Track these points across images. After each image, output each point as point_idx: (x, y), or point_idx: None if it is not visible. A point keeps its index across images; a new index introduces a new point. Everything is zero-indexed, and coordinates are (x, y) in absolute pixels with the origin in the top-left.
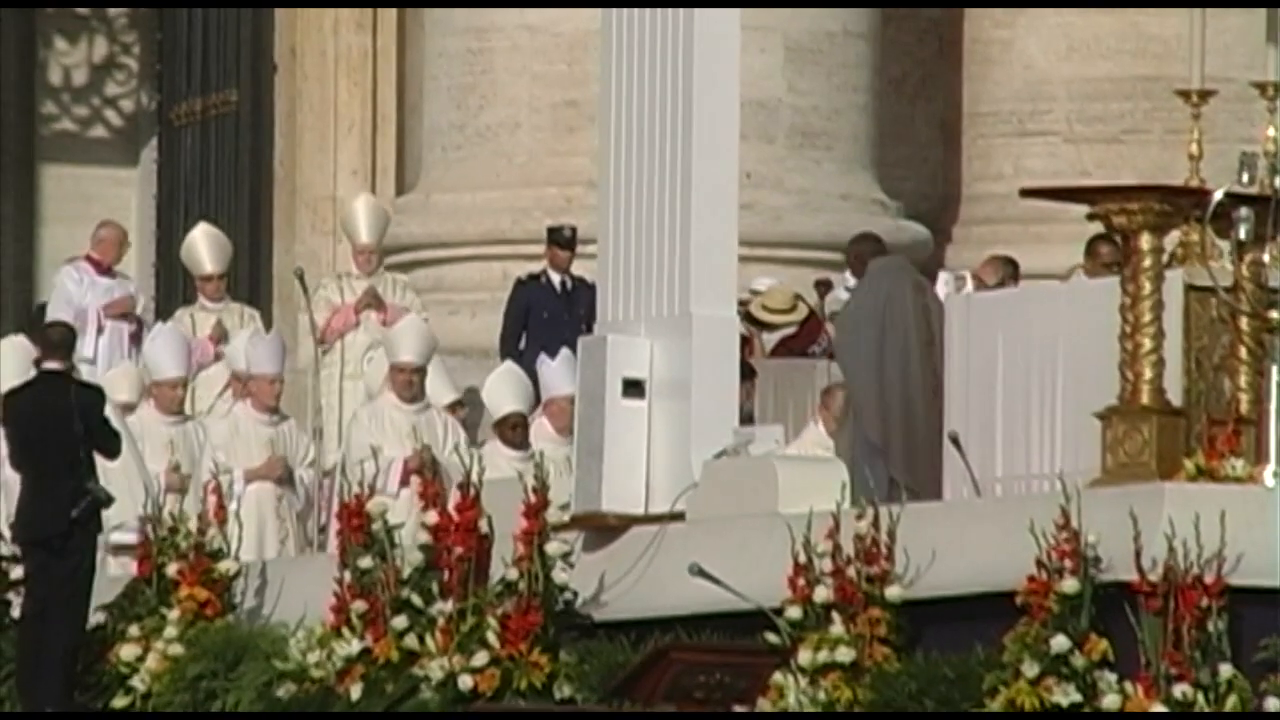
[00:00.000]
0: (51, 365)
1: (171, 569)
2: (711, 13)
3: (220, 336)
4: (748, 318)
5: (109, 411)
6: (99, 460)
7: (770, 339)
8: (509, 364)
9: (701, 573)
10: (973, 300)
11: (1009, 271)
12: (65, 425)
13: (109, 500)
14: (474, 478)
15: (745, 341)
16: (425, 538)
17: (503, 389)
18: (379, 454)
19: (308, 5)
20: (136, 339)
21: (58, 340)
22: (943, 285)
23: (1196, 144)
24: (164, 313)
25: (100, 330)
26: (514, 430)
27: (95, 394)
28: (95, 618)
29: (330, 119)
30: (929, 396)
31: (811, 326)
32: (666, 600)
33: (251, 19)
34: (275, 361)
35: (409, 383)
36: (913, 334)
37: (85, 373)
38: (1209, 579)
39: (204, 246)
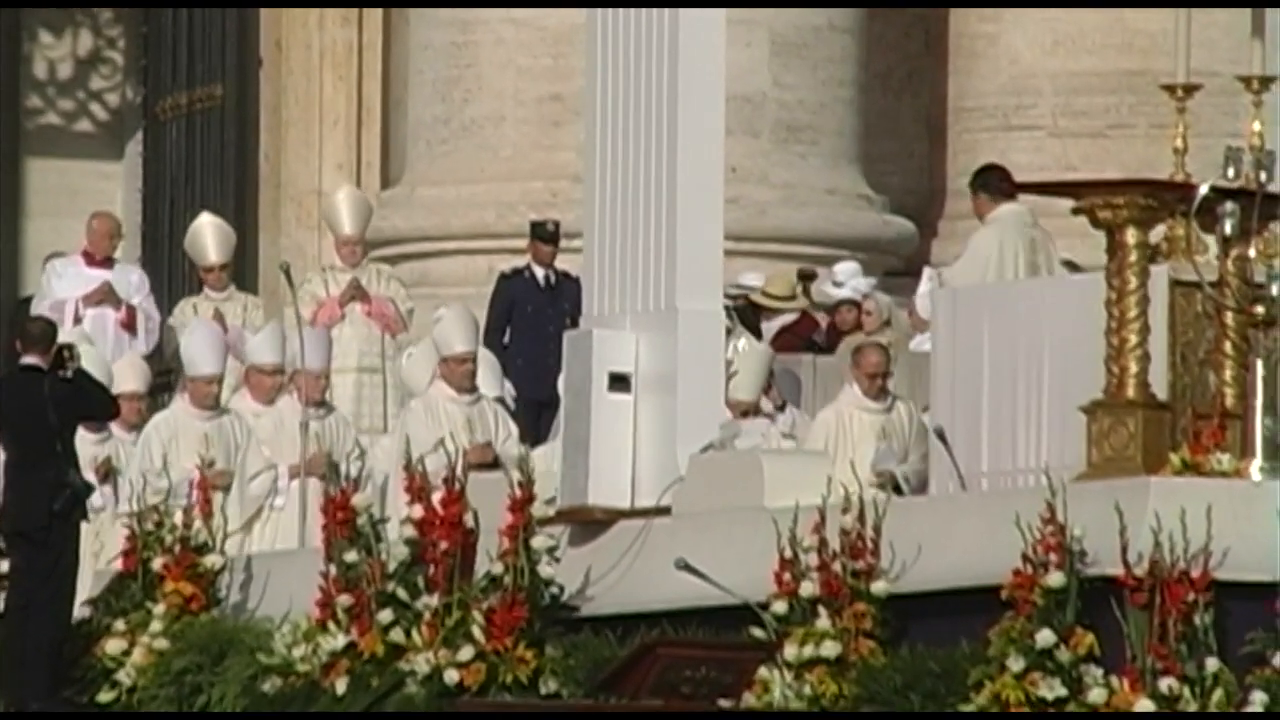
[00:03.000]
0: (29, 360)
1: (157, 563)
2: (696, 7)
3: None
4: (750, 307)
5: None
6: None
7: (769, 328)
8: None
9: (687, 567)
10: (958, 294)
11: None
12: (40, 418)
13: (89, 491)
14: (458, 472)
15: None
16: (410, 532)
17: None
18: (440, 447)
19: (293, 5)
20: (130, 326)
21: (37, 335)
22: (926, 281)
23: (1182, 138)
24: None
25: (78, 320)
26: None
27: (68, 387)
28: (80, 612)
29: (315, 113)
30: None
31: (807, 318)
32: (652, 595)
33: (236, 13)
34: (320, 357)
35: (470, 373)
36: None
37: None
38: (1195, 573)
39: (209, 236)
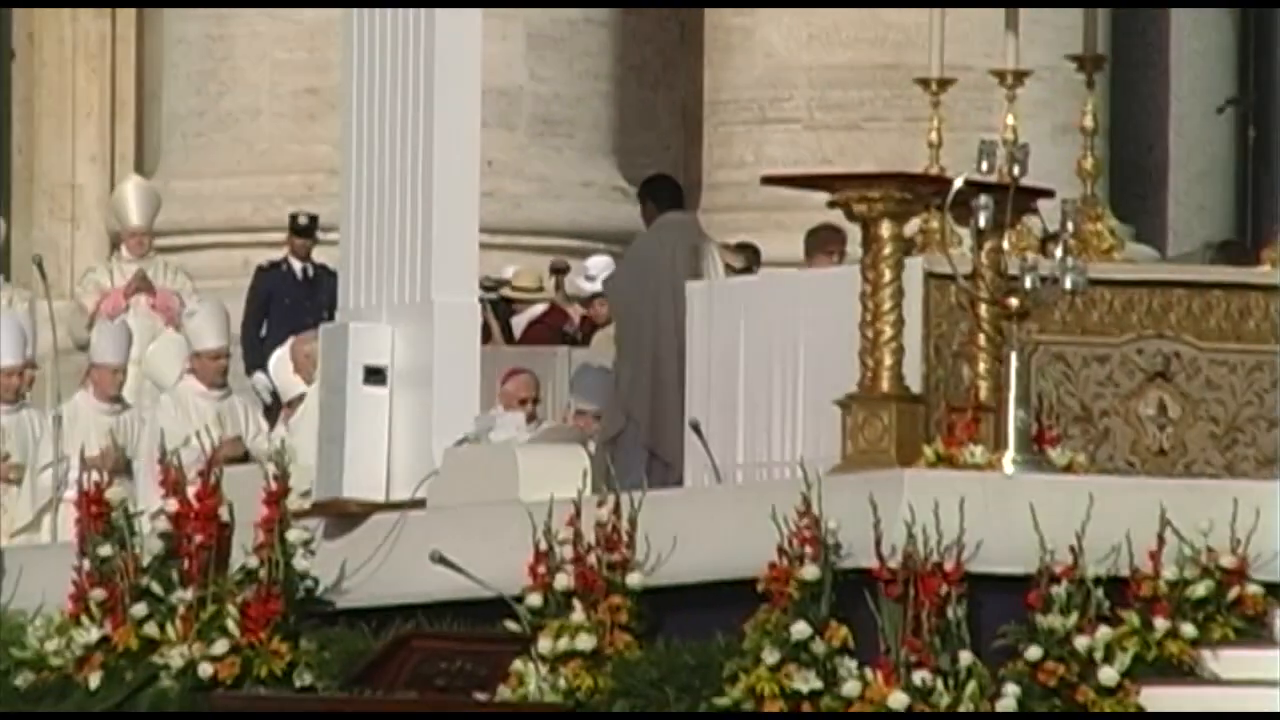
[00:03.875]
0: None
1: None
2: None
3: None
4: (501, 302)
5: None
6: None
7: (520, 321)
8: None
9: (442, 560)
10: (714, 287)
11: (747, 258)
12: None
13: None
14: (212, 466)
15: (486, 331)
16: (165, 525)
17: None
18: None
19: (45, 6)
20: None
21: None
22: None
23: (936, 132)
24: None
25: None
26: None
27: None
28: None
29: (69, 105)
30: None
31: (556, 310)
32: (408, 587)
33: None
34: (116, 351)
35: (222, 369)
36: (670, 302)
37: None
38: (948, 566)
39: None
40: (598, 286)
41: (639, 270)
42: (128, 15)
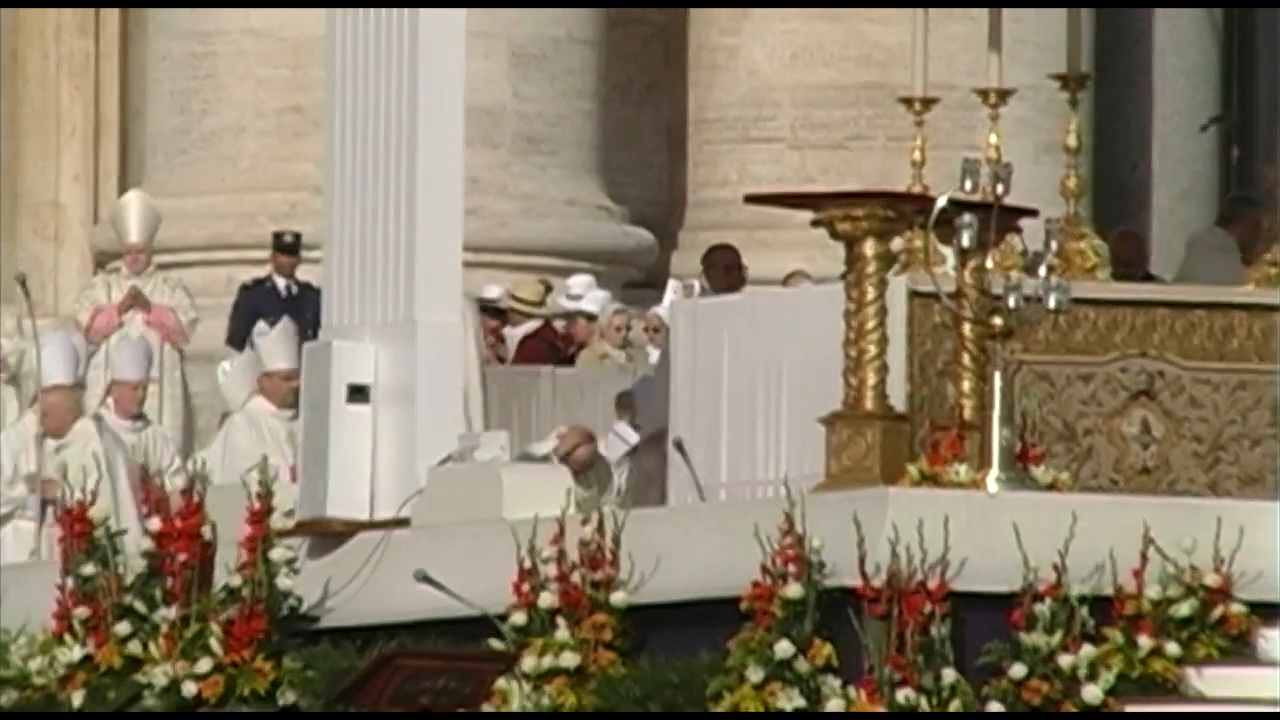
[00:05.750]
0: None
1: None
2: (436, 17)
3: None
4: (497, 313)
5: None
6: None
7: (513, 335)
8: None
9: (426, 579)
10: (698, 305)
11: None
12: None
13: None
14: (197, 484)
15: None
16: (148, 544)
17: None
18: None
19: (28, 6)
20: None
21: None
22: (670, 293)
23: (920, 151)
24: None
25: None
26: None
27: None
28: None
29: (52, 123)
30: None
31: (548, 326)
32: (392, 606)
33: None
34: (136, 368)
35: (293, 389)
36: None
37: None
38: (932, 584)
39: None
40: (581, 305)
41: None
42: (111, 33)
